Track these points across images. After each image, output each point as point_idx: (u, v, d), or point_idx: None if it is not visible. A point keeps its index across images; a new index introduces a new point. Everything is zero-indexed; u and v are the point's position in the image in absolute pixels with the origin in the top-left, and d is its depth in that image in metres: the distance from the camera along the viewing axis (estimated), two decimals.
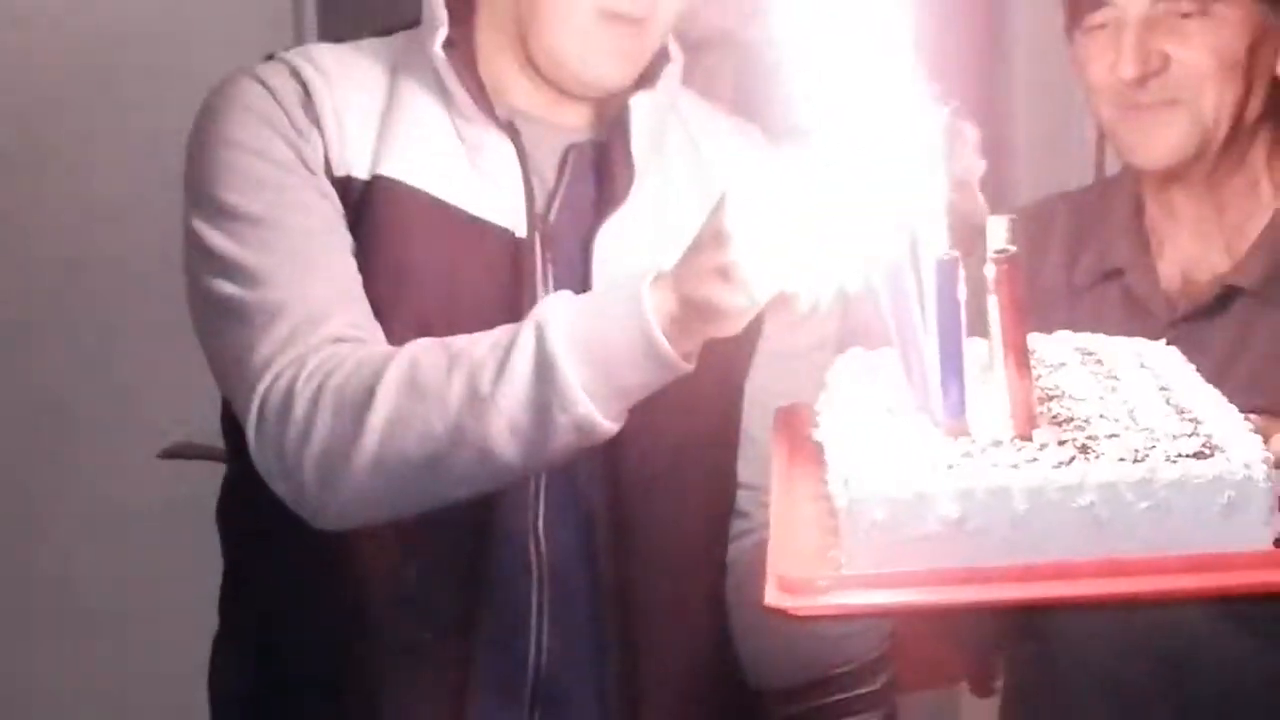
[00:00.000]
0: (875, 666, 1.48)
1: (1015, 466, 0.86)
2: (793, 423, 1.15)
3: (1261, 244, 1.39)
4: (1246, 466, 0.85)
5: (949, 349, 0.92)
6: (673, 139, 1.33)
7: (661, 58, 1.29)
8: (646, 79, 1.28)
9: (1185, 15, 1.33)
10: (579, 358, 0.99)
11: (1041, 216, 1.54)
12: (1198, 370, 1.14)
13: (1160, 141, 1.35)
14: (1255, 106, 1.37)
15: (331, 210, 1.20)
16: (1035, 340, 1.09)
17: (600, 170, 1.29)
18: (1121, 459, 0.86)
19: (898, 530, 0.84)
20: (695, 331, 0.99)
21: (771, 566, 0.89)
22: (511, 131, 1.25)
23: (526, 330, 1.03)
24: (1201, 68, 1.34)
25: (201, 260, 1.19)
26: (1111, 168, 1.76)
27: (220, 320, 1.17)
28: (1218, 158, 1.38)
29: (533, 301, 1.17)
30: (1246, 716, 1.36)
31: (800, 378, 1.26)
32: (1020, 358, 0.93)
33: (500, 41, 1.26)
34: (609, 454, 1.20)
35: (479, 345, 1.07)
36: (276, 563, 1.30)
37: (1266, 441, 0.91)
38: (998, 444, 0.90)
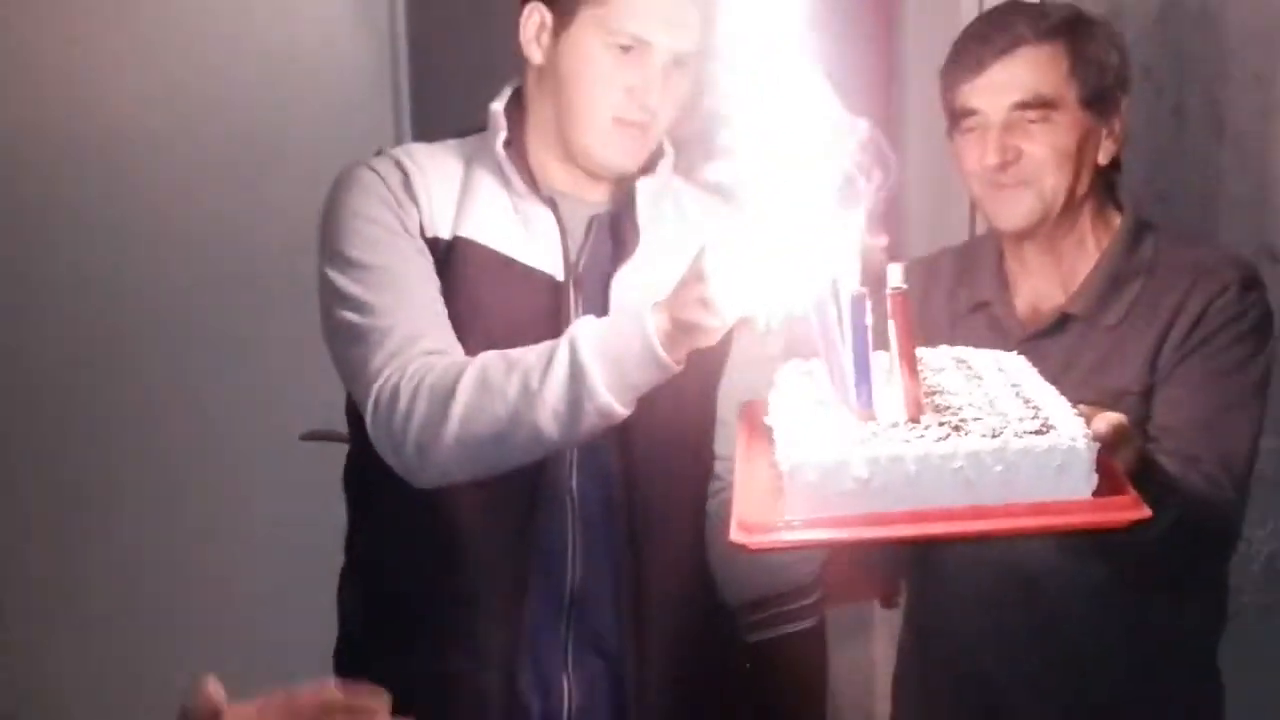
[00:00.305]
0: (811, 586, 1.75)
1: (907, 441, 1.07)
2: (752, 412, 1.37)
3: (1088, 284, 1.63)
4: (1072, 440, 1.05)
5: (860, 359, 1.14)
6: (666, 209, 1.60)
7: (659, 152, 1.57)
8: (648, 167, 1.56)
9: (1032, 121, 1.57)
10: (600, 363, 1.27)
11: (932, 263, 1.81)
12: (1040, 373, 1.35)
13: (1015, 211, 1.60)
14: (1083, 186, 1.62)
15: (425, 263, 1.48)
16: (922, 352, 1.31)
17: (615, 233, 1.56)
18: (983, 435, 1.07)
19: (824, 487, 1.05)
20: (683, 344, 1.26)
21: (735, 514, 1.12)
22: (552, 205, 1.53)
23: (563, 344, 1.31)
24: (1044, 159, 1.58)
25: (332, 298, 1.47)
26: (980, 229, 1.99)
27: (346, 340, 1.46)
28: (1056, 223, 1.62)
29: (568, 323, 1.43)
30: (1072, 614, 1.60)
31: (759, 378, 1.49)
32: (910, 364, 1.15)
33: (545, 140, 1.54)
34: (624, 433, 1.45)
35: (530, 354, 1.35)
36: (381, 514, 1.59)
37: (1088, 424, 1.12)
38: (895, 425, 1.12)
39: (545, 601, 1.55)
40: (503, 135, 1.51)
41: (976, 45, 1.61)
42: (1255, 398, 1.59)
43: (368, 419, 1.42)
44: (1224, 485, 1.50)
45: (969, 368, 1.35)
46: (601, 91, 1.47)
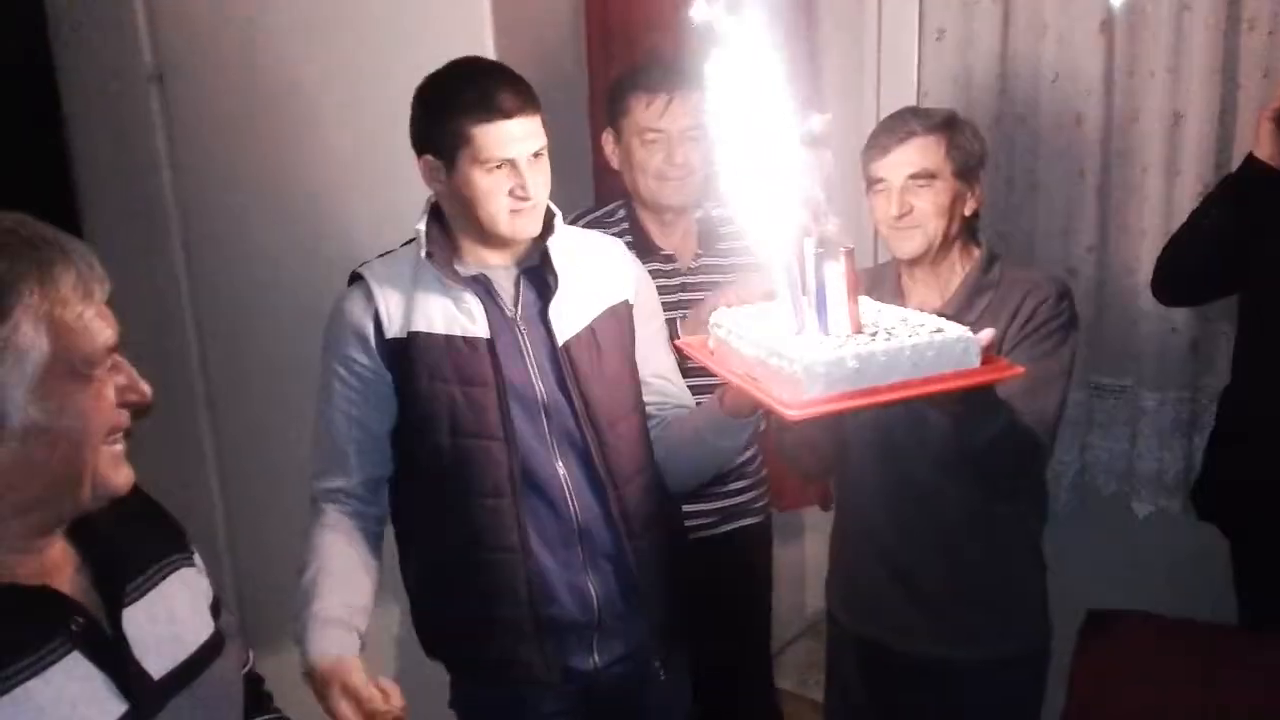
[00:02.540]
0: (759, 486, 2.26)
1: (872, 341, 1.31)
2: (692, 349, 1.59)
3: (955, 295, 1.84)
4: (963, 333, 1.33)
5: (821, 298, 1.37)
6: (571, 252, 1.74)
7: (550, 214, 1.72)
8: (548, 228, 1.72)
9: (920, 186, 1.78)
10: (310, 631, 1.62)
11: None
12: None
13: (909, 246, 1.82)
14: (954, 230, 1.83)
15: (362, 395, 1.71)
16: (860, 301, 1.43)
17: (540, 280, 1.72)
18: (905, 336, 1.32)
19: (830, 375, 1.28)
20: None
21: (775, 402, 1.31)
22: (483, 281, 1.69)
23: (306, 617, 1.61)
24: (928, 212, 1.79)
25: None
26: (883, 257, 2.20)
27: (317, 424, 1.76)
28: (936, 254, 1.83)
29: (521, 350, 1.68)
30: (946, 509, 1.84)
31: (653, 347, 1.83)
32: (853, 299, 1.38)
33: (467, 234, 1.71)
34: (585, 401, 1.69)
35: (307, 586, 1.64)
36: (411, 498, 1.78)
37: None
38: (848, 336, 1.34)
39: (556, 530, 1.72)
40: (424, 250, 1.67)
41: (884, 136, 1.81)
42: (1063, 374, 1.78)
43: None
44: (1038, 429, 1.69)
45: (876, 308, 1.53)
46: (493, 199, 1.63)
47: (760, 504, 2.33)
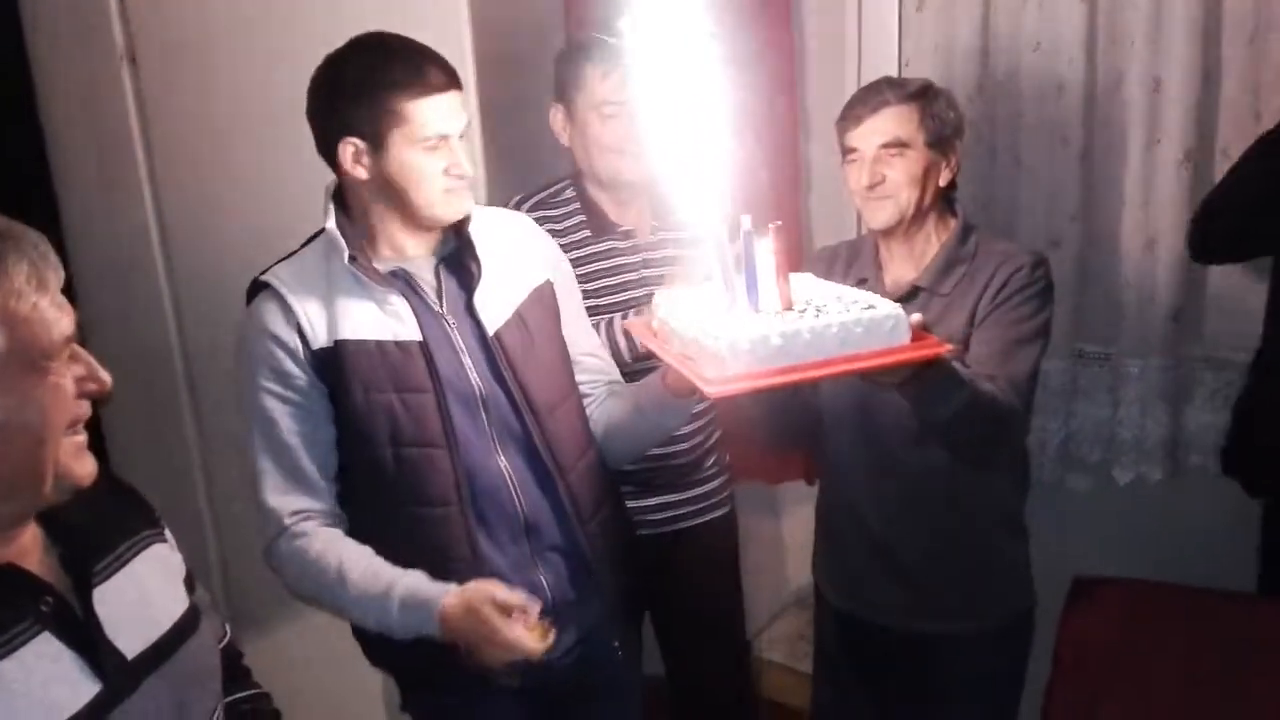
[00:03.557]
0: (721, 482, 2.24)
1: (800, 319, 1.31)
2: (636, 327, 1.63)
3: (930, 266, 1.85)
4: (893, 311, 1.35)
5: (750, 275, 1.38)
6: (492, 234, 1.71)
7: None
8: (465, 216, 1.65)
9: (892, 155, 1.79)
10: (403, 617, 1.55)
11: (834, 251, 2.04)
12: None
13: (880, 216, 1.83)
14: (928, 200, 1.84)
15: (300, 407, 1.61)
16: (793, 277, 1.47)
17: (461, 267, 1.67)
18: (840, 314, 1.33)
19: (753, 352, 1.29)
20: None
21: (698, 379, 1.34)
22: (403, 276, 1.62)
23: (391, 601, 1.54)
24: (900, 181, 1.80)
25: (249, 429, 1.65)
26: (864, 229, 2.11)
27: (254, 460, 1.67)
28: (909, 225, 1.85)
29: (453, 346, 1.62)
30: (923, 482, 1.86)
31: (578, 328, 1.81)
32: (783, 276, 1.39)
33: (388, 222, 1.64)
34: (522, 390, 1.65)
35: (367, 586, 1.55)
36: (350, 509, 1.70)
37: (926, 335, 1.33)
38: (778, 313, 1.35)
39: (496, 524, 1.68)
40: (346, 255, 1.59)
41: (858, 106, 1.82)
42: (1036, 339, 1.79)
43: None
44: (1009, 394, 1.70)
45: (813, 285, 1.54)
46: (429, 178, 1.58)
47: (727, 493, 2.34)
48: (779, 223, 1.36)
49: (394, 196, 1.59)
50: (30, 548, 1.06)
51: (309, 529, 1.61)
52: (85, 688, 1.02)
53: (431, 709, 1.82)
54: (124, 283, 2.38)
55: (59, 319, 1.01)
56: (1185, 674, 1.98)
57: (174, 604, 1.18)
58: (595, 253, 2.14)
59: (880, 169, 1.80)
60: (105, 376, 1.05)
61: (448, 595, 1.50)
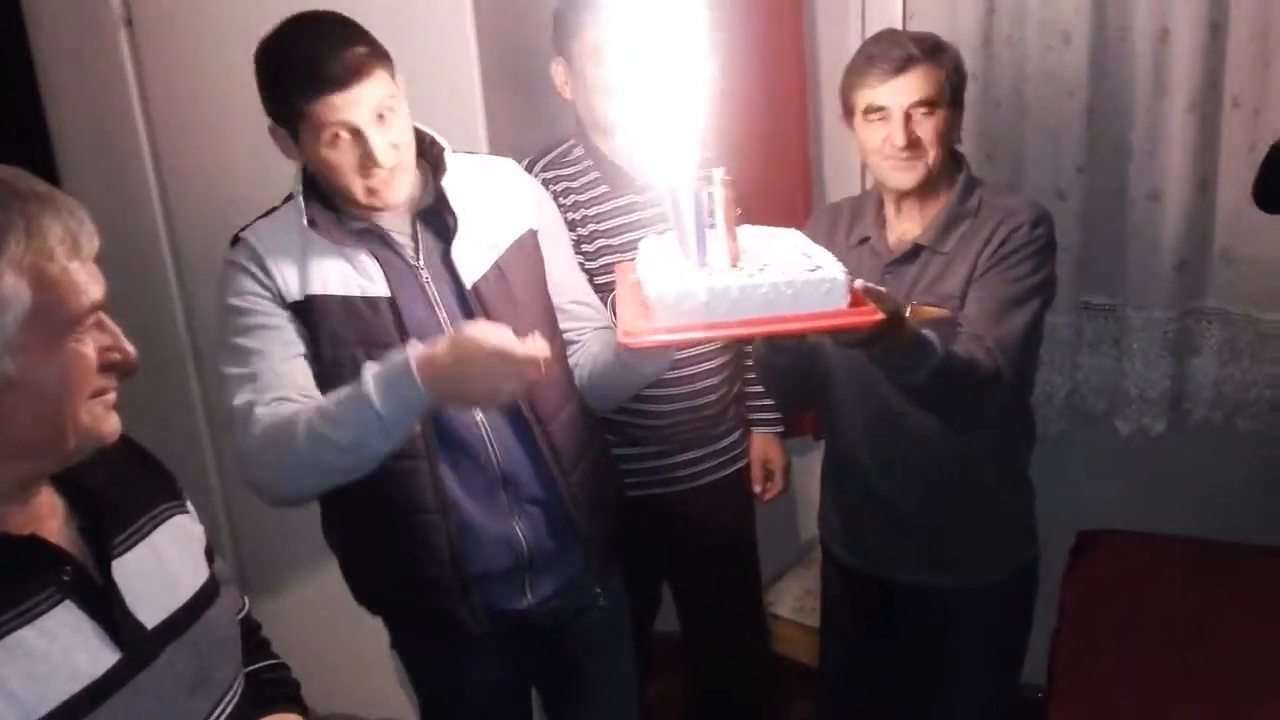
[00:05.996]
0: (737, 444, 2.24)
1: (729, 277, 1.30)
2: (621, 269, 1.62)
3: (932, 224, 1.83)
4: (834, 274, 1.32)
5: (700, 230, 1.38)
6: (466, 184, 1.67)
7: (439, 149, 1.65)
8: (438, 167, 1.64)
9: (924, 114, 1.77)
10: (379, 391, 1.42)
11: (837, 208, 2.02)
12: (900, 286, 1.70)
13: (910, 177, 1.80)
14: (944, 158, 1.82)
15: (283, 330, 1.58)
16: (743, 230, 1.50)
17: (438, 219, 1.65)
18: (771, 273, 1.32)
19: (679, 306, 1.29)
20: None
21: (620, 326, 1.35)
22: (375, 233, 1.61)
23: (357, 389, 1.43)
24: (931, 140, 1.78)
25: (222, 365, 1.59)
26: (869, 185, 2.14)
27: (229, 393, 1.57)
28: (927, 183, 1.81)
29: (429, 300, 1.60)
30: (924, 438, 1.84)
31: (564, 274, 1.79)
32: (731, 232, 1.38)
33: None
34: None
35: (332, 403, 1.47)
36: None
37: (925, 317, 1.37)
38: (722, 269, 1.34)
39: (473, 480, 1.68)
40: (304, 218, 1.58)
41: (881, 62, 1.76)
42: (1031, 299, 1.76)
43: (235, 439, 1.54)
44: (997, 355, 1.68)
45: (769, 239, 1.52)
46: (345, 172, 1.55)
47: (745, 445, 2.36)
48: (730, 177, 1.35)
49: (326, 181, 1.59)
50: (50, 515, 1.07)
51: (282, 405, 1.56)
52: (105, 656, 1.03)
53: (418, 652, 1.86)
54: (124, 247, 2.36)
55: (89, 286, 1.01)
56: (1188, 624, 1.98)
57: (194, 575, 1.19)
58: (616, 208, 2.10)
59: (911, 128, 1.77)
60: (130, 348, 1.05)
61: (415, 348, 1.44)
